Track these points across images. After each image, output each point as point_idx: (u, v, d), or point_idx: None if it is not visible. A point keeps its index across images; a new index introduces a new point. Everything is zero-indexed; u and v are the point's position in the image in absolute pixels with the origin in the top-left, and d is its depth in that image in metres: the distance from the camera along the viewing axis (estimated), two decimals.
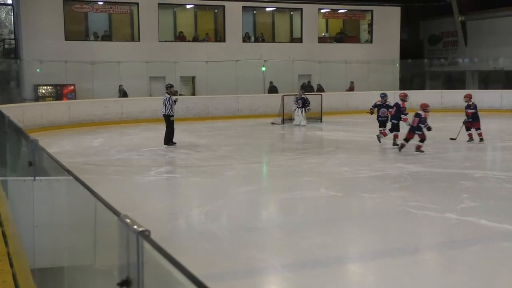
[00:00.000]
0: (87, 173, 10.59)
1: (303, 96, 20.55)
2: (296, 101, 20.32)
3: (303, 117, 20.16)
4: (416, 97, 26.55)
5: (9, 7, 28.75)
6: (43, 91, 23.72)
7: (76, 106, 21.31)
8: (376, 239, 7.02)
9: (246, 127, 20.01)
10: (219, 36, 28.10)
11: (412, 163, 12.16)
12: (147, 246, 1.76)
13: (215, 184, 10.32)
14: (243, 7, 28.00)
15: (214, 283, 5.27)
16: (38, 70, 23.48)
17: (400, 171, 11.41)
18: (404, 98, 14.38)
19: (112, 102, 22.03)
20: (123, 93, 23.88)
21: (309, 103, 20.16)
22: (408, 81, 32.26)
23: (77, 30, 25.43)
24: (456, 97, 26.75)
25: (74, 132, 18.56)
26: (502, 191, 9.52)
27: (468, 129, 15.11)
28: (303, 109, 20.16)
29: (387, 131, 14.41)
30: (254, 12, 29.44)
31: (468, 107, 15.15)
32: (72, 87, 23.97)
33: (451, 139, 14.96)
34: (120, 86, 23.98)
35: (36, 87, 23.65)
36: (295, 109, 20.35)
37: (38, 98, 23.39)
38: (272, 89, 25.81)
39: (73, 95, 23.86)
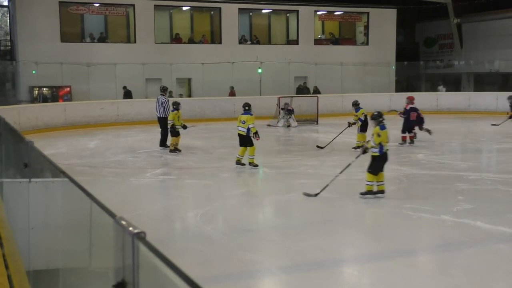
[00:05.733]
0: (82, 175, 10.57)
1: (290, 108, 21.25)
2: (286, 109, 21.00)
3: (293, 119, 21.00)
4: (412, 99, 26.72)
5: (5, 8, 28.68)
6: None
7: (72, 107, 21.27)
8: (371, 241, 7.03)
9: None
10: (215, 38, 28.11)
11: (408, 165, 12.19)
12: (142, 248, 1.76)
13: (210, 186, 10.31)
14: (239, 9, 28.03)
15: (209, 285, 5.28)
16: (33, 71, 23.43)
17: (396, 173, 11.42)
18: None
19: (108, 104, 21.98)
20: (42, 98, 23.35)
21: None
22: (404, 84, 32.36)
23: (73, 32, 25.39)
24: (451, 99, 26.96)
25: (69, 134, 18.52)
26: (497, 193, 9.54)
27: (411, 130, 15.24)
28: (291, 115, 21.09)
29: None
30: (250, 14, 29.46)
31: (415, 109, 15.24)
32: (68, 88, 23.93)
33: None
34: (39, 89, 23.50)
35: (31, 88, 23.61)
36: (284, 115, 21.01)
37: (33, 99, 23.34)
38: (127, 94, 24.18)
39: (69, 97, 23.83)
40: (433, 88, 30.12)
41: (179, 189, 10.63)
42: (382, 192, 9.00)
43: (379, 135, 8.81)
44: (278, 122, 21.03)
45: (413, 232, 7.44)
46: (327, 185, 9.03)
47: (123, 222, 1.88)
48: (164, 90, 15.26)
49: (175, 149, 14.06)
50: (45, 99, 23.22)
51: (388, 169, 12.09)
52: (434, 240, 7.12)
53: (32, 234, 4.07)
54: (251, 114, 11.85)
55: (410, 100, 15.27)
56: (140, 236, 1.78)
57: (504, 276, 5.90)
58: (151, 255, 1.69)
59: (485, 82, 32.21)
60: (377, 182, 8.98)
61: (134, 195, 9.75)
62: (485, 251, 6.65)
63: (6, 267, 4.08)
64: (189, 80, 26.91)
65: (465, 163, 12.49)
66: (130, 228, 1.82)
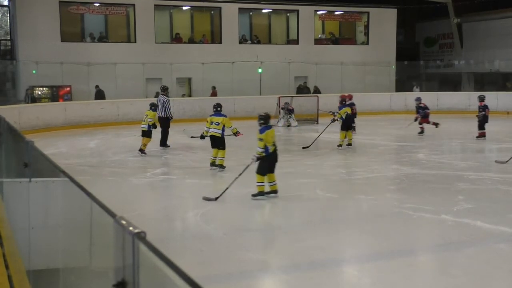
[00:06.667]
0: (82, 175, 10.57)
1: (290, 107, 21.36)
2: (286, 109, 21.10)
3: (293, 119, 21.14)
4: (412, 99, 26.72)
5: (5, 8, 28.70)
6: (39, 93, 23.67)
7: (72, 107, 21.26)
8: (372, 241, 7.03)
9: (242, 129, 19.92)
10: (215, 37, 28.10)
11: (408, 165, 12.19)
12: (142, 247, 1.76)
13: (210, 186, 10.31)
14: (240, 8, 28.02)
15: (209, 285, 5.28)
16: (33, 71, 23.43)
17: (396, 172, 11.43)
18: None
19: (108, 104, 21.97)
20: (31, 99, 23.23)
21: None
22: (403, 83, 32.34)
23: (73, 32, 25.38)
24: (452, 99, 26.94)
25: (69, 134, 18.52)
26: (498, 192, 9.54)
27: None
28: (292, 114, 21.23)
29: None
30: (251, 13, 29.45)
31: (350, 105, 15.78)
32: (68, 88, 23.92)
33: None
34: (27, 90, 23.41)
35: (31, 88, 23.58)
36: (284, 115, 21.12)
37: (26, 100, 23.32)
38: (99, 93, 23.64)
39: (69, 97, 23.82)
40: (410, 88, 29.79)
41: (179, 189, 10.62)
42: (275, 192, 9.03)
43: (261, 140, 8.83)
44: (278, 121, 21.05)
45: (413, 232, 7.44)
46: (227, 188, 9.00)
47: (123, 222, 1.88)
48: (165, 89, 15.30)
49: (143, 151, 13.82)
50: (33, 100, 23.11)
51: (388, 168, 12.13)
52: (434, 240, 7.12)
53: (32, 233, 4.07)
54: (226, 116, 11.74)
55: (343, 98, 15.78)
56: (140, 236, 1.78)
57: (504, 276, 5.90)
58: (151, 254, 1.69)
59: (485, 81, 32.20)
60: (269, 182, 8.98)
61: (134, 195, 9.75)
62: (485, 251, 6.65)
63: (6, 266, 4.09)
64: (189, 80, 26.90)
65: (465, 163, 12.48)
66: (130, 228, 1.82)
